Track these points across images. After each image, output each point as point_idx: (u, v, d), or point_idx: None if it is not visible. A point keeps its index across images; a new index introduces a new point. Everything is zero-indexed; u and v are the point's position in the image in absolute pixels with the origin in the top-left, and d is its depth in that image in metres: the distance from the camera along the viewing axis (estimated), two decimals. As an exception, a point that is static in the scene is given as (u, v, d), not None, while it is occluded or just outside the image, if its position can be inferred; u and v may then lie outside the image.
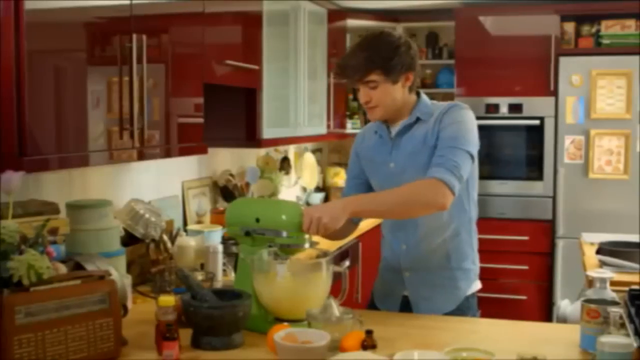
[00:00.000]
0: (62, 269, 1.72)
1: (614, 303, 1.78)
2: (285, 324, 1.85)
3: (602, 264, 2.78)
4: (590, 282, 2.65)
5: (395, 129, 2.18)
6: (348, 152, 2.44)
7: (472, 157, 2.05)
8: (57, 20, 1.87)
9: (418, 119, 2.14)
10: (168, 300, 1.76)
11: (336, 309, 1.78)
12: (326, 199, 4.91)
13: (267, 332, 1.83)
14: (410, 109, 2.16)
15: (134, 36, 2.09)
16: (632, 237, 3.26)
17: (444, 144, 2.04)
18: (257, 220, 1.98)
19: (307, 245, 1.98)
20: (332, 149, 5.43)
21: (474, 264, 2.24)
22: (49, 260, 1.65)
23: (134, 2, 2.12)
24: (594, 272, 2.00)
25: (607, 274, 2.00)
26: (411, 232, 2.18)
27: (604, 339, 1.57)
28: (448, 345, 1.80)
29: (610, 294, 1.96)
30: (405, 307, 2.23)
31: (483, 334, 2.00)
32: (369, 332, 1.63)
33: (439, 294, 2.19)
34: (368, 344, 1.62)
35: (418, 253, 2.18)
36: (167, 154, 2.41)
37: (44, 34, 1.80)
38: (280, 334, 1.65)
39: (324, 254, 1.98)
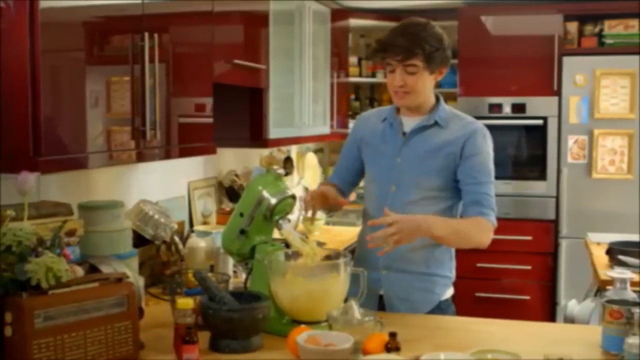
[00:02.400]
0: (80, 271, 1.69)
1: (635, 304, 1.77)
2: (303, 325, 1.83)
3: (617, 264, 2.76)
4: (604, 282, 2.65)
5: (409, 124, 2.20)
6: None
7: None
8: (71, 19, 1.84)
9: (436, 123, 2.17)
10: (187, 302, 1.73)
11: (357, 311, 1.76)
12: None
13: (283, 334, 1.81)
14: (429, 109, 2.20)
15: (146, 35, 2.06)
16: (636, 237, 3.25)
17: (476, 179, 2.14)
18: (241, 214, 2.02)
19: (289, 192, 2.03)
20: (332, 149, 5.40)
21: (451, 272, 2.29)
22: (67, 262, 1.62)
23: (145, 1, 2.09)
24: (615, 273, 1.99)
25: (628, 274, 1.98)
26: None
27: (632, 340, 1.55)
28: (468, 346, 1.80)
29: (630, 294, 1.95)
30: (381, 309, 2.23)
31: (500, 335, 1.99)
32: (392, 335, 1.61)
33: (415, 296, 2.21)
34: (392, 346, 1.60)
35: (399, 252, 2.16)
36: (179, 154, 2.38)
37: (58, 33, 1.77)
38: (303, 336, 1.63)
39: (343, 254, 1.96)
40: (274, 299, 1.91)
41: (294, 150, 4.62)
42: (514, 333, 2.02)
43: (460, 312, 2.47)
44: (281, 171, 2.03)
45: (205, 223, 3.31)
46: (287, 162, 4.33)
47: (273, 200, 1.98)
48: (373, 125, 2.28)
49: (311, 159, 4.76)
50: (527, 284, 4.60)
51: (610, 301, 1.77)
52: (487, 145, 2.19)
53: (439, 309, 2.25)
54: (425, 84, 2.12)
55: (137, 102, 2.05)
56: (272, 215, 2.00)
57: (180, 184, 3.22)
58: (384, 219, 1.96)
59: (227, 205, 3.54)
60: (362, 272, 1.95)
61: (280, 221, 2.00)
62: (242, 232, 2.01)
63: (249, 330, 1.75)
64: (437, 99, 2.22)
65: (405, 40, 2.07)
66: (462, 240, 2.13)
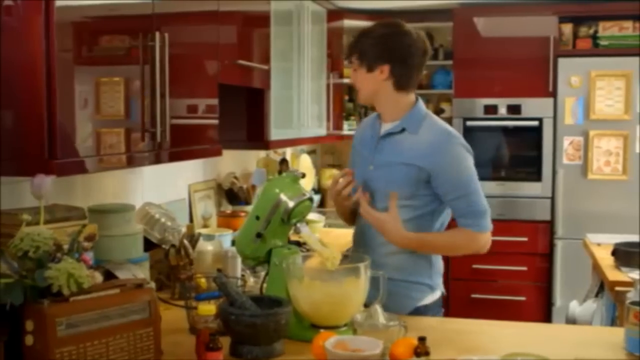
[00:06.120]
0: (99, 277, 1.64)
1: (659, 305, 1.76)
2: (323, 330, 1.80)
3: (623, 265, 2.76)
4: (612, 283, 2.65)
5: (384, 128, 2.18)
6: (342, 153, 2.42)
7: (480, 188, 2.13)
8: (84, 19, 1.80)
9: (403, 130, 2.13)
10: (209, 308, 1.70)
11: (382, 315, 1.73)
12: (322, 201, 4.86)
13: (303, 338, 1.79)
14: (404, 112, 2.15)
15: (157, 35, 2.02)
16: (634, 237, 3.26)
17: (455, 193, 2.08)
18: (257, 217, 1.98)
19: (307, 194, 1.99)
20: (326, 150, 5.37)
21: (431, 279, 2.22)
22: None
23: (155, 0, 2.05)
24: (636, 274, 1.98)
25: (650, 275, 1.98)
26: (372, 235, 2.16)
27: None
28: (491, 348, 1.80)
29: (650, 295, 1.94)
30: None
31: (519, 337, 1.98)
32: (422, 339, 1.58)
33: (391, 301, 2.10)
34: (421, 351, 1.57)
35: (374, 259, 2.09)
36: (188, 156, 2.34)
37: (73, 32, 1.72)
38: (331, 341, 1.60)
39: (362, 257, 1.93)
40: (294, 304, 1.87)
41: (288, 151, 4.58)
42: (533, 335, 2.02)
43: (456, 313, 2.47)
44: (298, 173, 2.00)
45: (205, 226, 3.26)
46: (283, 164, 4.30)
47: (291, 204, 1.95)
48: (363, 131, 2.29)
49: (305, 160, 4.73)
50: (523, 285, 4.61)
51: (634, 303, 1.76)
52: (461, 155, 2.08)
53: (417, 312, 2.19)
54: (367, 82, 2.12)
55: (148, 103, 2.01)
56: (290, 219, 1.96)
57: (180, 187, 3.17)
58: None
59: (227, 208, 3.50)
60: (382, 275, 1.93)
61: (298, 224, 1.97)
62: (259, 235, 1.97)
63: (272, 336, 1.71)
64: (415, 104, 2.15)
65: (351, 40, 2.16)
66: (447, 251, 2.22)
